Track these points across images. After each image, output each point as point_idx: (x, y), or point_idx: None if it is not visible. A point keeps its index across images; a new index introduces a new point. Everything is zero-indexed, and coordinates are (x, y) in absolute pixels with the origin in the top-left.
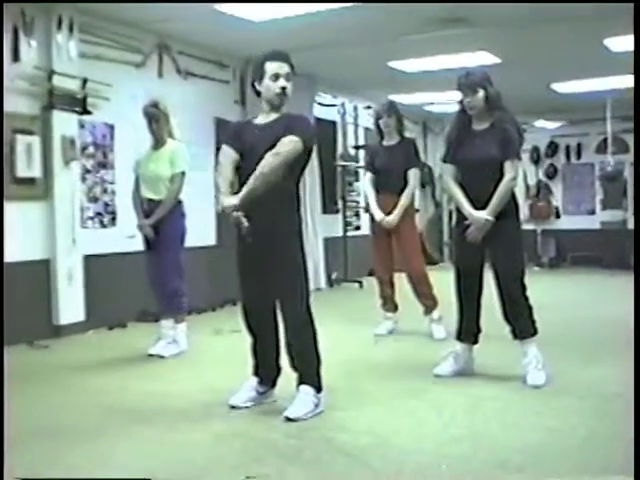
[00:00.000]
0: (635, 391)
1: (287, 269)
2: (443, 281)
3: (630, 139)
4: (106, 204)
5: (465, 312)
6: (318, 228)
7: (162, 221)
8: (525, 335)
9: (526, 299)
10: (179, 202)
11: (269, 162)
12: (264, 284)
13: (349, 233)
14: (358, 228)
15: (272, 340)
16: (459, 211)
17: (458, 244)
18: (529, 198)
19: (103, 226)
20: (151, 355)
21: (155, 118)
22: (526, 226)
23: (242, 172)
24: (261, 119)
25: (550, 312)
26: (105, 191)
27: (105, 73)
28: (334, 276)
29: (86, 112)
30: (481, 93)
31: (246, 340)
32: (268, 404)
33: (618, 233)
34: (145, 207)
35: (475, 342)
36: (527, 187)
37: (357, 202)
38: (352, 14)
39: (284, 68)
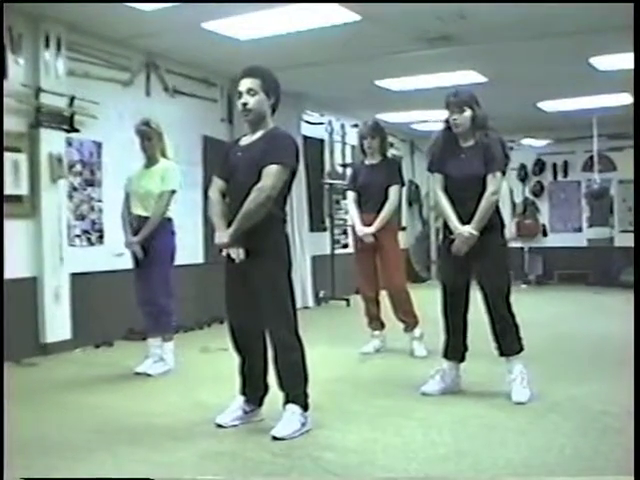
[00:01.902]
0: (635, 392)
1: (272, 293)
2: (429, 299)
3: (616, 157)
4: (93, 222)
5: (452, 330)
6: (305, 246)
7: (152, 239)
8: (510, 352)
9: (512, 316)
10: (169, 220)
11: (254, 199)
12: (250, 306)
13: (337, 251)
14: (346, 246)
15: (259, 360)
16: (446, 228)
17: (444, 261)
18: (516, 216)
19: (90, 244)
20: (138, 373)
21: (147, 136)
22: (513, 244)
23: (228, 198)
24: (245, 139)
25: (537, 329)
26: (92, 209)
27: (93, 91)
28: (321, 294)
29: (73, 130)
30: (468, 112)
31: (234, 358)
32: (255, 423)
33: (605, 250)
34: (135, 224)
35: (462, 360)
36: (514, 205)
37: (345, 220)
38: (339, 32)
39: (245, 84)
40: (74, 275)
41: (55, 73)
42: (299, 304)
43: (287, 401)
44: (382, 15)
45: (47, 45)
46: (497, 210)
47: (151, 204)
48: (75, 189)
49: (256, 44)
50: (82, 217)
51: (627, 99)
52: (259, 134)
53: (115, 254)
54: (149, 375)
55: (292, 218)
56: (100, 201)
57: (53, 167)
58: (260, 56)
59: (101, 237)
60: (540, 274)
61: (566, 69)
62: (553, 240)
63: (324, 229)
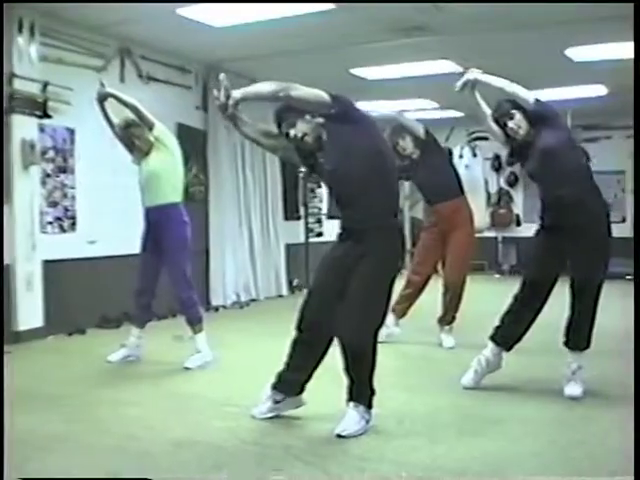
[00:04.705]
0: (635, 391)
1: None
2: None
3: (590, 148)
4: (66, 209)
5: (516, 319)
6: (280, 234)
7: (164, 228)
8: (578, 347)
9: (595, 305)
10: (178, 205)
11: None
12: (342, 287)
13: (310, 239)
14: (320, 235)
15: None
16: (541, 218)
17: (534, 253)
18: (490, 206)
19: (63, 231)
20: (111, 362)
21: (135, 136)
22: (487, 233)
23: None
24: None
25: None
26: (65, 196)
27: (66, 77)
28: (295, 282)
29: (46, 116)
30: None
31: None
32: (234, 413)
33: None
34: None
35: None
36: (488, 195)
37: (319, 209)
38: (313, 21)
39: (286, 124)
40: (46, 262)
41: (28, 59)
42: (273, 292)
43: (350, 398)
44: (357, 4)
45: (20, 30)
46: (600, 195)
47: (159, 192)
48: (48, 175)
49: (230, 31)
50: (55, 204)
51: (602, 90)
52: None
53: (88, 241)
54: (110, 362)
55: (267, 206)
56: (73, 188)
57: (25, 153)
58: (235, 44)
59: (74, 224)
60: (514, 264)
61: (542, 60)
62: (527, 230)
63: (298, 218)
